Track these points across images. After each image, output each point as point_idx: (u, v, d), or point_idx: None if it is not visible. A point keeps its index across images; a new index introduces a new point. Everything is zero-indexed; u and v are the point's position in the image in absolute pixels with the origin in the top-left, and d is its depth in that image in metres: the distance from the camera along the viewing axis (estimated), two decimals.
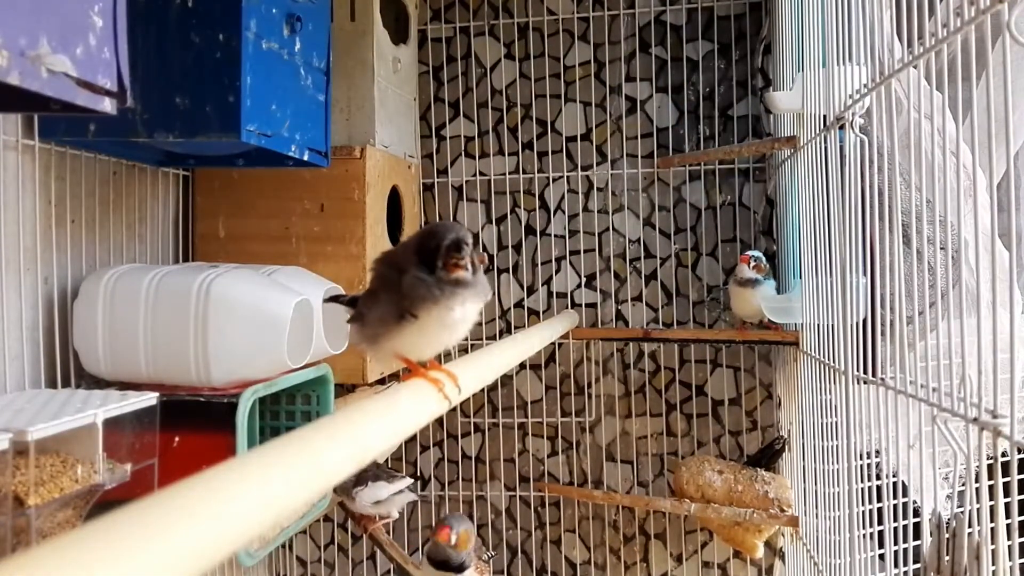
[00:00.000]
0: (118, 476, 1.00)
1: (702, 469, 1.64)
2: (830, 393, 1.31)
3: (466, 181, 1.90)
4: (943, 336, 0.83)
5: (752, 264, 1.59)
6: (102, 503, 0.99)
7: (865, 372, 1.07)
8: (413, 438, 1.91)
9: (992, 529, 0.74)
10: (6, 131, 1.13)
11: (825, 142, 1.24)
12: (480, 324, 0.85)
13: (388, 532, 1.68)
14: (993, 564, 0.74)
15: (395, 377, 1.68)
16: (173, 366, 1.17)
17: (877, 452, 1.10)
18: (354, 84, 1.58)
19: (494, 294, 1.88)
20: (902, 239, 0.99)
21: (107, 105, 0.75)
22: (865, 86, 1.03)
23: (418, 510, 1.91)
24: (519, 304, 1.89)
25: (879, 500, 1.05)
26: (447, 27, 1.91)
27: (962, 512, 0.78)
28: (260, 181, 1.54)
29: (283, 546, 1.94)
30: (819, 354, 1.33)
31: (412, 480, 1.61)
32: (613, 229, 1.86)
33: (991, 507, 0.74)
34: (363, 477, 1.56)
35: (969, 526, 0.76)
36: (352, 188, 1.51)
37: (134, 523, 0.35)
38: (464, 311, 0.76)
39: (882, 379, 1.01)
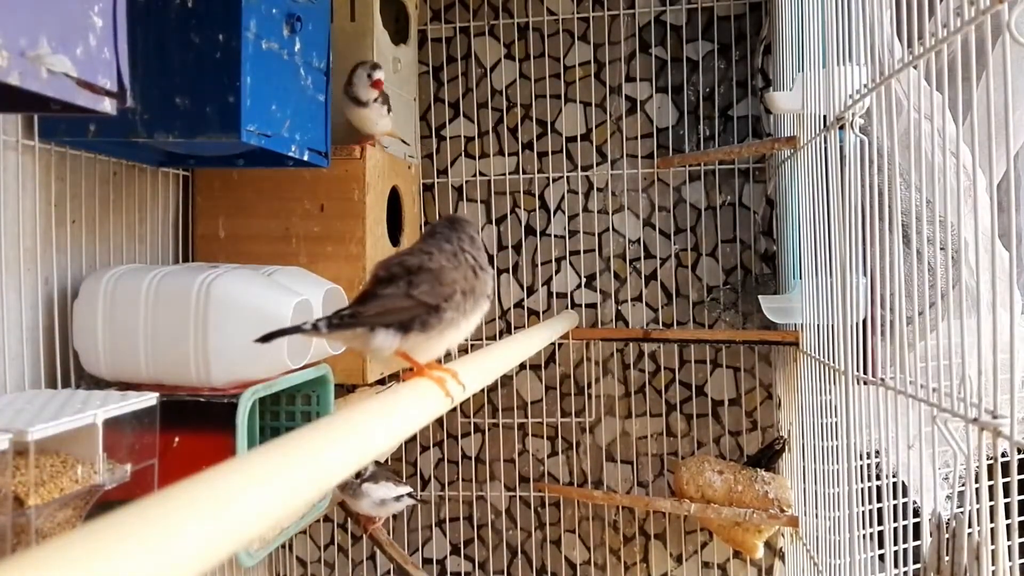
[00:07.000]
0: (118, 476, 1.00)
1: (702, 469, 1.64)
2: (830, 393, 1.31)
3: (466, 181, 1.90)
4: (943, 336, 0.83)
5: None
6: (102, 503, 0.99)
7: (865, 372, 1.07)
8: (413, 438, 1.91)
9: (992, 529, 0.74)
10: (6, 131, 1.13)
11: (825, 142, 1.24)
12: (480, 324, 0.86)
13: (388, 532, 1.68)
14: (993, 564, 0.74)
15: (395, 377, 1.68)
16: (173, 366, 1.17)
17: (877, 452, 1.10)
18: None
19: (494, 294, 1.88)
20: (902, 239, 0.99)
21: (107, 105, 0.75)
22: (865, 86, 1.03)
23: (418, 510, 1.91)
24: (519, 304, 1.89)
25: (879, 500, 1.05)
26: (447, 27, 1.91)
27: (962, 512, 0.78)
28: (260, 181, 1.54)
29: (283, 546, 1.94)
30: (819, 354, 1.33)
31: (411, 489, 1.62)
32: (613, 229, 1.86)
33: (991, 507, 0.74)
34: (376, 475, 1.56)
35: (969, 526, 0.76)
36: (352, 188, 1.51)
37: (134, 523, 0.35)
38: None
39: (882, 379, 1.01)
